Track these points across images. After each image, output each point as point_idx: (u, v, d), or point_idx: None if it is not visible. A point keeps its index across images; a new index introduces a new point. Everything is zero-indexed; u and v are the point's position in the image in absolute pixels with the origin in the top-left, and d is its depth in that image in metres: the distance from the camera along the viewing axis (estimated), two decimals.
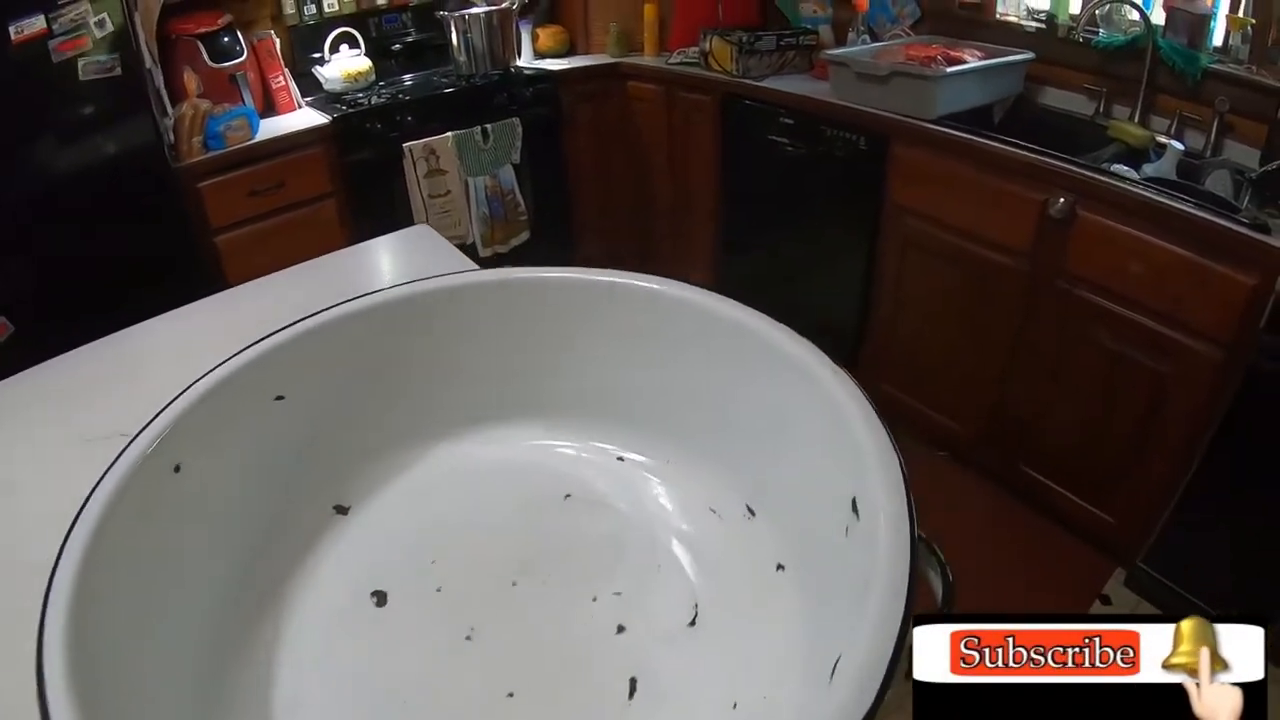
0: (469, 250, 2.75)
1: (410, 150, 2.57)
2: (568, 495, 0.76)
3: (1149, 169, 2.07)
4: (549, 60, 3.00)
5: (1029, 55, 2.31)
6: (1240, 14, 2.11)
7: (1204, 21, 2.15)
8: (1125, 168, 2.03)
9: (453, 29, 2.79)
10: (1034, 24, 2.45)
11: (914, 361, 2.41)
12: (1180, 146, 2.04)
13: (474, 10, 2.78)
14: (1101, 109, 2.34)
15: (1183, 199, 1.73)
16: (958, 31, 2.57)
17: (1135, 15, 2.28)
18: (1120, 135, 2.18)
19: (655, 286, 0.76)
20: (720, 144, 2.70)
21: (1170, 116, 2.21)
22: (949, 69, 2.11)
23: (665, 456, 0.78)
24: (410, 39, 2.91)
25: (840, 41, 2.68)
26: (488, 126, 2.70)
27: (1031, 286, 2.03)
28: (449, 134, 2.63)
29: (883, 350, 2.48)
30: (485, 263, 2.83)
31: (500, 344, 0.80)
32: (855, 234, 2.37)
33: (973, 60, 2.19)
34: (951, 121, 2.11)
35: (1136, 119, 2.28)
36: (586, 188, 3.06)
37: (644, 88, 2.87)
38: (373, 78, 2.77)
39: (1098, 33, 2.33)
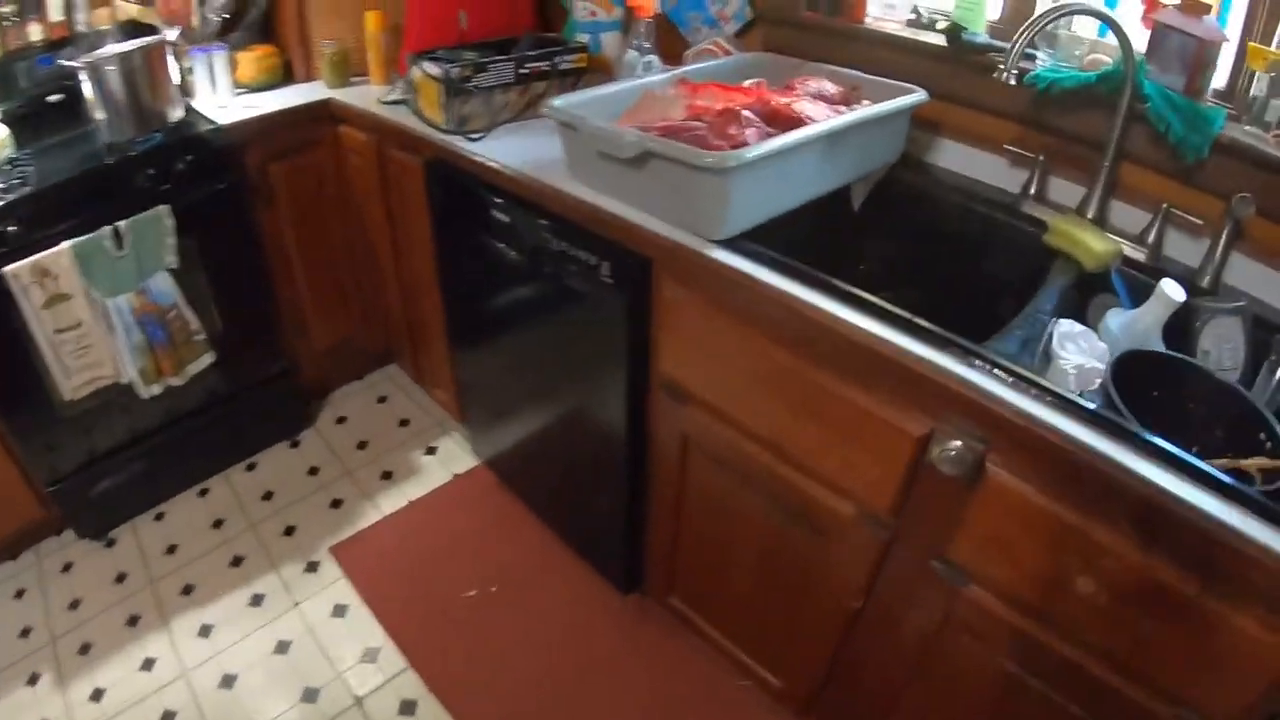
0: (126, 392, 1.81)
1: (14, 276, 1.63)
2: None
3: (1114, 323, 1.16)
4: (252, 97, 1.98)
5: (917, 97, 1.35)
6: (1274, 46, 1.16)
7: (1210, 51, 1.20)
8: (1075, 328, 1.12)
9: (85, 79, 1.78)
10: (929, 38, 1.48)
11: (715, 586, 1.53)
12: (1180, 295, 1.10)
13: (108, 51, 1.76)
14: (1034, 186, 1.40)
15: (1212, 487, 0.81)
16: (807, 45, 1.60)
17: (1089, 35, 1.33)
18: (1066, 245, 1.25)
19: None
20: (434, 230, 1.73)
21: (1148, 205, 1.28)
22: (753, 149, 1.07)
23: None
24: (71, 88, 1.80)
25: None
26: (120, 225, 1.73)
27: (890, 561, 1.14)
28: (65, 244, 1.67)
29: (671, 551, 1.59)
30: (151, 405, 1.92)
31: None
32: (610, 406, 1.45)
33: (815, 113, 1.21)
34: (759, 242, 1.16)
35: (1092, 211, 1.34)
36: (297, 274, 2.10)
37: (356, 136, 1.89)
38: (9, 151, 1.78)
39: (1035, 61, 1.37)
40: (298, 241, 2.02)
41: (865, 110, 1.22)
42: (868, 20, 1.53)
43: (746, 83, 1.30)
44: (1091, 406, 0.89)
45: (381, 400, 2.44)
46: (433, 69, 1.51)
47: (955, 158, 1.49)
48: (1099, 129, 1.28)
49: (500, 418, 1.87)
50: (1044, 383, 0.92)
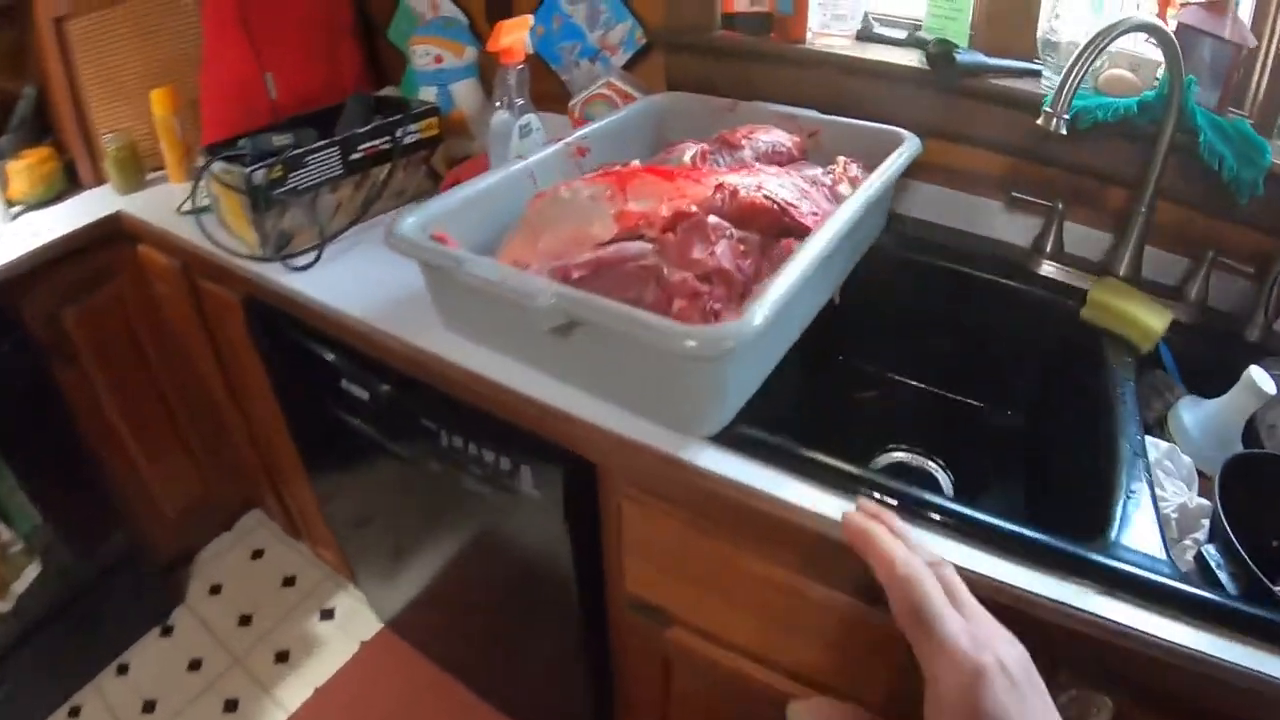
0: None
1: None
2: None
3: (1189, 420, 0.86)
4: (33, 217, 1.36)
5: (911, 146, 0.99)
6: None
7: (1247, 60, 0.91)
8: (1159, 446, 0.81)
9: None
10: (896, 56, 1.13)
11: None
12: (1272, 388, 0.82)
13: None
14: (1049, 240, 1.08)
15: None
16: (724, 76, 1.23)
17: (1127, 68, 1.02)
18: (1112, 322, 0.96)
19: None
20: (275, 392, 1.26)
21: (1181, 248, 1.00)
22: (760, 312, 0.64)
23: None
24: None
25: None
26: None
27: None
28: None
29: None
30: None
31: None
32: (555, 620, 1.04)
33: (797, 197, 0.82)
34: (757, 422, 0.78)
35: (1124, 267, 1.03)
36: (124, 438, 1.56)
37: (157, 260, 1.36)
38: None
39: (1039, 81, 1.05)
40: (116, 400, 1.49)
41: (872, 184, 0.85)
42: (809, 38, 1.16)
43: (687, 155, 0.90)
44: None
45: (257, 555, 1.94)
46: (228, 172, 1.04)
47: (943, 208, 1.15)
48: (1126, 164, 0.98)
49: (404, 583, 1.43)
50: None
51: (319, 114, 1.20)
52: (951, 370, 1.14)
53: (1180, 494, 0.81)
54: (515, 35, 0.98)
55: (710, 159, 0.92)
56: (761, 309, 0.63)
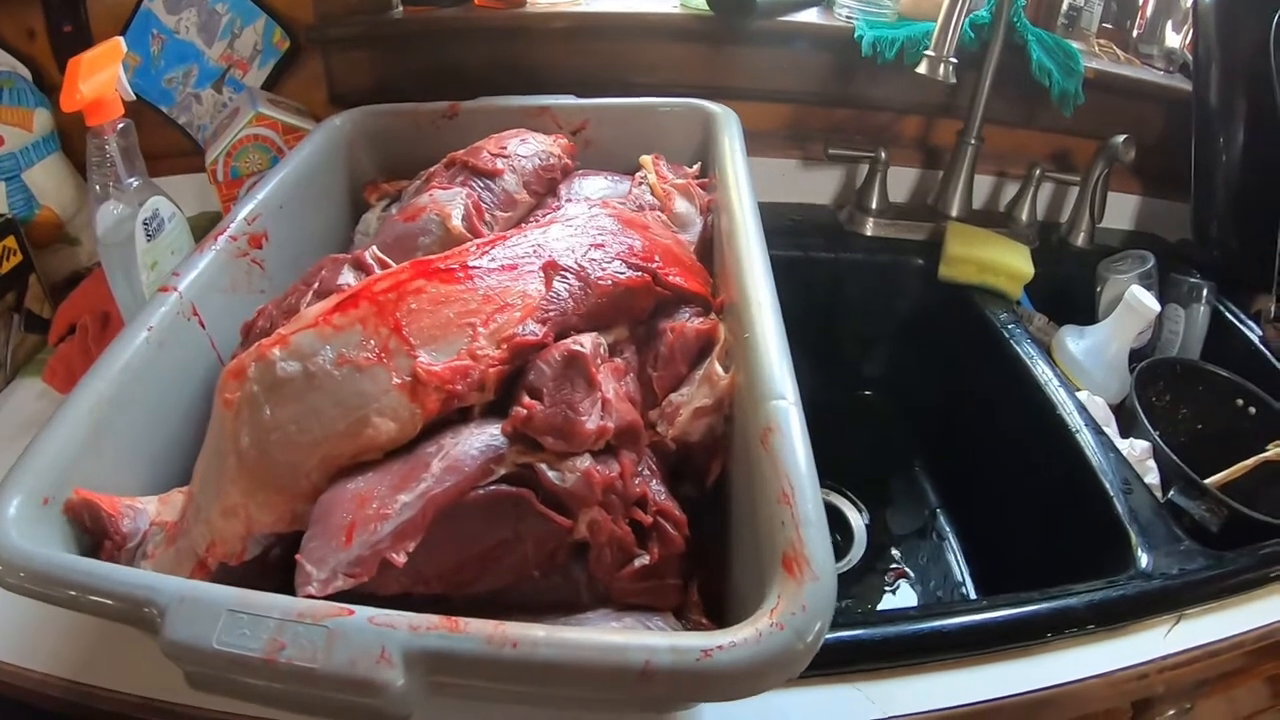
0: None
1: None
2: None
3: (1076, 349, 0.80)
4: None
5: (730, 122, 0.71)
6: None
7: None
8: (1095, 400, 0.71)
9: None
10: (656, 6, 0.85)
11: None
12: (1155, 305, 0.76)
13: None
14: (875, 192, 0.90)
15: None
16: (426, 76, 0.86)
17: None
18: (976, 276, 0.83)
19: None
20: None
21: (1003, 169, 0.91)
22: None
23: None
24: None
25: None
26: None
27: None
28: None
29: None
30: None
31: None
32: None
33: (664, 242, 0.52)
34: None
35: (956, 207, 0.90)
36: None
37: None
38: None
39: (833, 12, 0.84)
40: None
41: (740, 188, 0.57)
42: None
43: (455, 217, 0.54)
44: None
45: None
46: None
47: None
48: (939, 93, 0.82)
49: None
50: None
51: None
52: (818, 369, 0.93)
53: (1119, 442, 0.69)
54: (102, 77, 0.54)
55: (483, 219, 0.56)
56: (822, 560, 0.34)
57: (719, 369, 0.47)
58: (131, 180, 0.60)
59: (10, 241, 0.69)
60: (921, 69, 0.68)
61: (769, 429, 0.40)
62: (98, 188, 0.59)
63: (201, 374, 0.51)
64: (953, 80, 0.68)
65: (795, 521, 0.35)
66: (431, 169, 0.65)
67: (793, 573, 0.34)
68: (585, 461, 0.40)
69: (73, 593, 0.34)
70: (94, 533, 0.41)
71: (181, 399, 0.50)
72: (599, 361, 0.42)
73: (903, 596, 0.76)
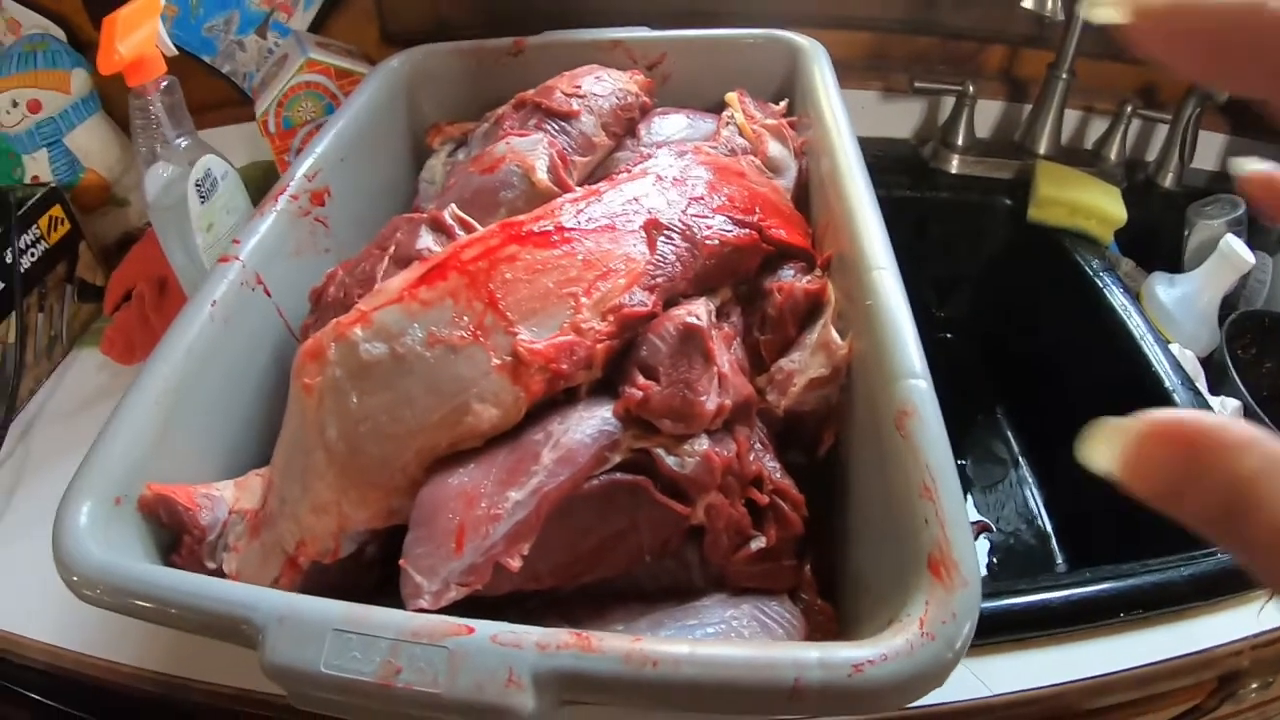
0: None
1: None
2: None
3: (1166, 299, 0.73)
4: None
5: (820, 58, 0.65)
6: None
7: None
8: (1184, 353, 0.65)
9: None
10: None
11: None
12: (1250, 258, 0.67)
13: None
14: (961, 128, 0.83)
15: None
16: (482, 8, 0.79)
17: None
18: (1068, 219, 0.77)
19: None
20: None
21: (1108, 109, 0.82)
22: None
23: None
24: None
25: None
26: None
27: None
28: None
29: None
30: None
31: None
32: None
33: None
34: None
35: (1044, 145, 0.82)
36: None
37: None
38: None
39: None
40: None
41: (841, 131, 0.51)
42: None
43: (540, 169, 0.48)
44: None
45: None
46: None
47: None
48: (1024, 22, 0.74)
49: None
50: None
51: None
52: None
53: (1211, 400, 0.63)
54: (140, 34, 0.49)
55: (569, 169, 0.51)
56: (970, 564, 0.29)
57: (835, 336, 0.42)
58: (180, 140, 0.55)
59: (57, 210, 0.65)
60: (1027, 4, 0.60)
61: (905, 412, 0.35)
62: (144, 149, 0.54)
63: (270, 347, 0.47)
64: (1060, 18, 0.60)
65: (941, 521, 0.31)
66: (499, 110, 0.59)
67: (940, 577, 0.30)
68: (703, 444, 0.36)
69: (158, 607, 0.31)
70: (171, 527, 0.38)
71: (251, 376, 0.46)
72: (714, 333, 0.37)
73: (983, 551, 0.72)
